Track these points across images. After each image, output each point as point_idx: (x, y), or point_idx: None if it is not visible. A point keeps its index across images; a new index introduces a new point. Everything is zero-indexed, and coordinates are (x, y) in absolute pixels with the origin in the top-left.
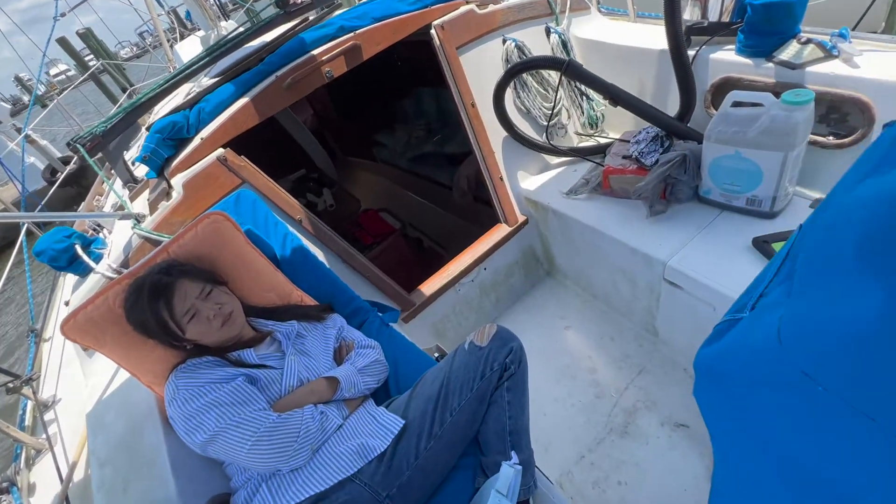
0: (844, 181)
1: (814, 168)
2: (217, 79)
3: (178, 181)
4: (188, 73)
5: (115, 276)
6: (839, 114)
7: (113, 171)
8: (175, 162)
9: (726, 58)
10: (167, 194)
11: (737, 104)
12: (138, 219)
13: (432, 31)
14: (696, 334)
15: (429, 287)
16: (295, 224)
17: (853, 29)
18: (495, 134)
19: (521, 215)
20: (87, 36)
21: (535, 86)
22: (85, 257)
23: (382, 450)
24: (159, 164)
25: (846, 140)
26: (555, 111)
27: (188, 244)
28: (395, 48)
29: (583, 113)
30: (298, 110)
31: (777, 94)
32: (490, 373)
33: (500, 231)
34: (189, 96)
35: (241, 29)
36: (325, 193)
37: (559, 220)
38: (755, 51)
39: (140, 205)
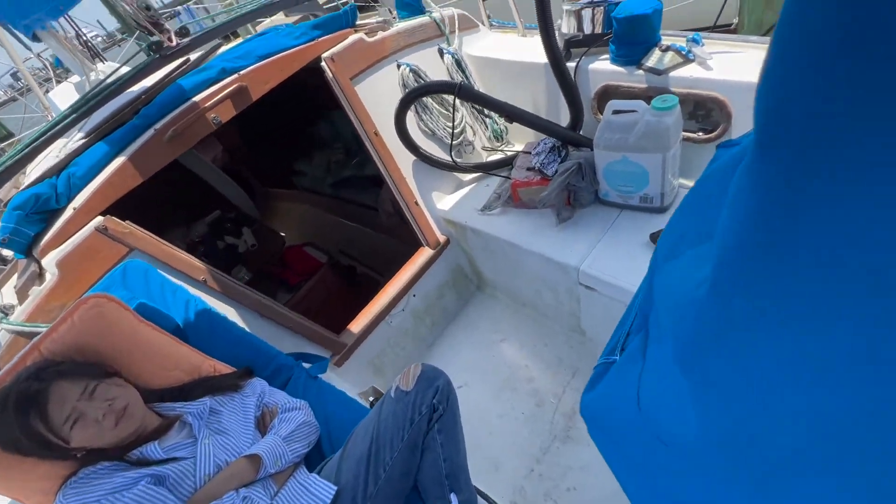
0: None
1: (692, 161)
2: (87, 138)
3: (50, 261)
4: (57, 130)
5: None
6: (704, 111)
7: None
8: (45, 239)
9: (604, 67)
10: (39, 277)
11: (616, 112)
12: (5, 311)
13: (322, 64)
14: None
15: (359, 324)
16: (199, 285)
17: (712, 28)
18: (404, 159)
19: (441, 236)
20: None
21: (437, 107)
22: None
23: None
24: (25, 244)
25: (712, 135)
26: (457, 130)
27: (64, 337)
28: (298, 75)
29: (487, 128)
30: (205, 149)
31: (650, 100)
32: (419, 417)
33: (424, 254)
34: (56, 161)
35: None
36: (246, 233)
37: (478, 236)
38: (626, 59)
39: (7, 293)
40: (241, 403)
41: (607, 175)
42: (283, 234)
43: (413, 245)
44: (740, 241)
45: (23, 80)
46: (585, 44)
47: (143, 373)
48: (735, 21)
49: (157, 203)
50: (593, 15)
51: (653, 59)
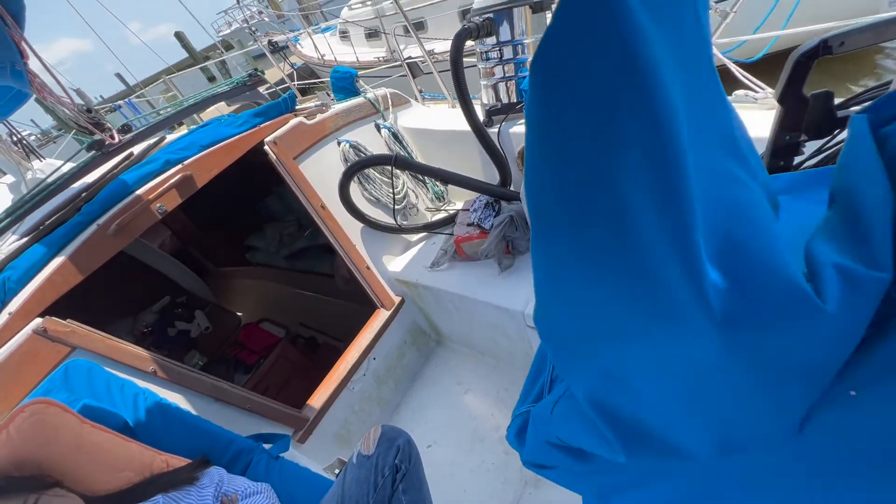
0: None
1: None
2: (24, 239)
3: None
4: None
5: None
6: None
7: None
8: None
9: (522, 130)
10: None
11: None
12: None
13: (266, 148)
14: None
15: (320, 396)
16: (148, 377)
17: None
18: (352, 227)
19: (395, 297)
20: None
21: (379, 176)
22: None
23: None
24: None
25: None
26: (399, 196)
27: (0, 452)
28: (239, 158)
29: (428, 190)
30: (152, 236)
31: None
32: (382, 480)
33: (381, 317)
34: None
35: (58, 173)
36: (199, 316)
37: (430, 293)
38: None
39: None
40: (198, 496)
41: None
42: (239, 312)
43: (372, 307)
44: None
45: None
46: (504, 111)
47: (89, 478)
48: None
49: (100, 295)
50: (507, 87)
51: None
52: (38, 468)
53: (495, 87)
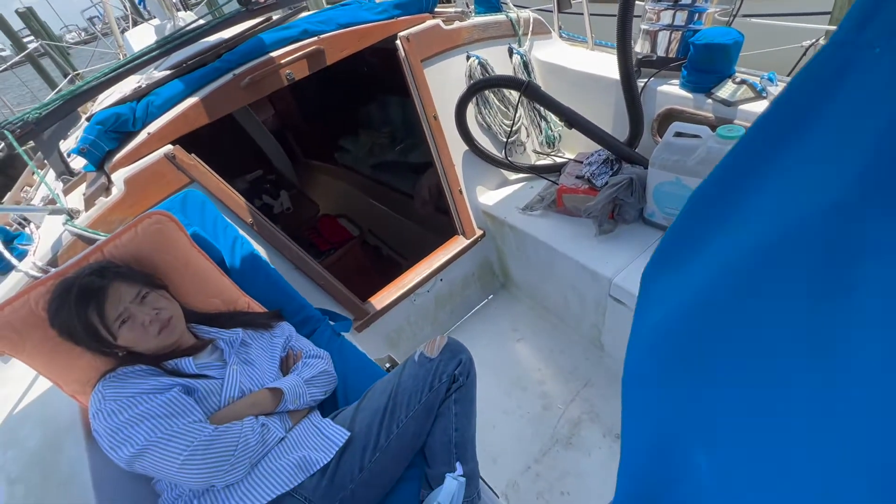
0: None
1: None
2: (169, 72)
3: (119, 177)
4: (139, 62)
5: (40, 275)
6: None
7: (46, 162)
8: (117, 156)
9: (671, 91)
10: (106, 190)
11: (678, 134)
12: (71, 214)
13: (397, 42)
14: None
15: (384, 297)
16: (247, 228)
17: (787, 75)
18: (456, 147)
19: (478, 229)
20: (27, 16)
21: (497, 103)
22: (6, 253)
23: (325, 463)
24: (99, 158)
25: None
26: (514, 129)
27: (126, 244)
28: (361, 54)
29: (541, 132)
30: (259, 109)
31: (713, 128)
32: (438, 384)
33: (458, 243)
34: (138, 88)
35: (201, 21)
36: (283, 196)
37: (515, 234)
38: (696, 86)
39: (75, 200)
40: (270, 342)
41: (657, 195)
42: (317, 203)
43: (442, 235)
44: None
45: (98, 25)
46: (657, 65)
47: (188, 294)
48: None
49: (210, 150)
50: (670, 38)
51: (724, 91)
52: (152, 268)
53: (654, 36)
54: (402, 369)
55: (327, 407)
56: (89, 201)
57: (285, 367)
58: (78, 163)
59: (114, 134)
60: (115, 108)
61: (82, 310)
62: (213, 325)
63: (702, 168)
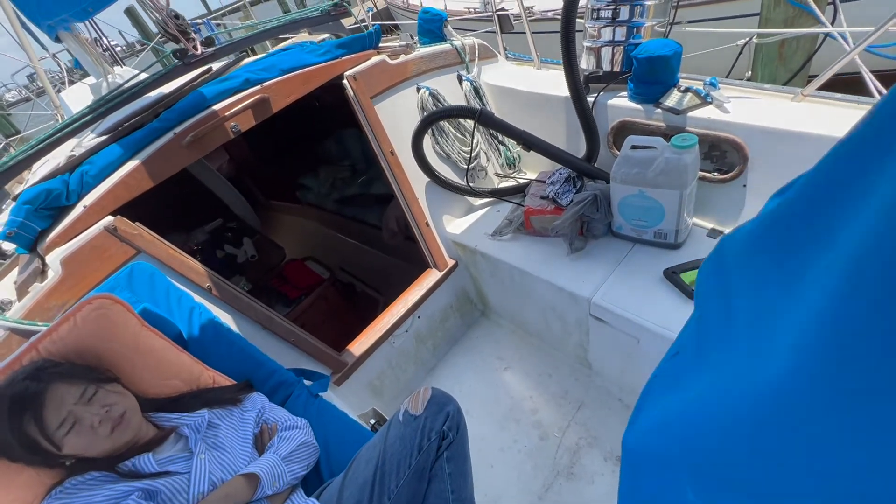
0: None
1: (706, 200)
2: (104, 137)
3: (55, 257)
4: (70, 130)
5: None
6: (719, 152)
7: None
8: (51, 235)
9: (621, 104)
10: (42, 273)
11: (635, 147)
12: (2, 306)
13: (345, 82)
14: (625, 365)
15: (361, 343)
16: (204, 293)
17: (726, 76)
18: (417, 179)
19: (450, 259)
20: None
21: (453, 131)
22: None
23: None
24: (31, 240)
25: (728, 175)
26: (473, 155)
27: (65, 338)
28: (312, 92)
29: (500, 155)
30: (212, 157)
31: (667, 137)
32: (428, 444)
33: (431, 276)
34: (70, 157)
35: (140, 76)
36: (246, 243)
37: (487, 261)
38: (644, 98)
39: (5, 288)
40: (240, 418)
41: (622, 208)
42: (283, 247)
43: (416, 265)
44: None
45: (37, 82)
46: (605, 80)
47: (142, 380)
48: (748, 75)
49: (160, 207)
50: (612, 53)
51: (671, 100)
52: (98, 360)
53: (598, 52)
54: (387, 431)
55: (311, 481)
56: (22, 289)
57: (260, 444)
58: (9, 245)
59: (45, 212)
60: (44, 183)
61: (16, 423)
62: (175, 410)
63: (662, 179)
